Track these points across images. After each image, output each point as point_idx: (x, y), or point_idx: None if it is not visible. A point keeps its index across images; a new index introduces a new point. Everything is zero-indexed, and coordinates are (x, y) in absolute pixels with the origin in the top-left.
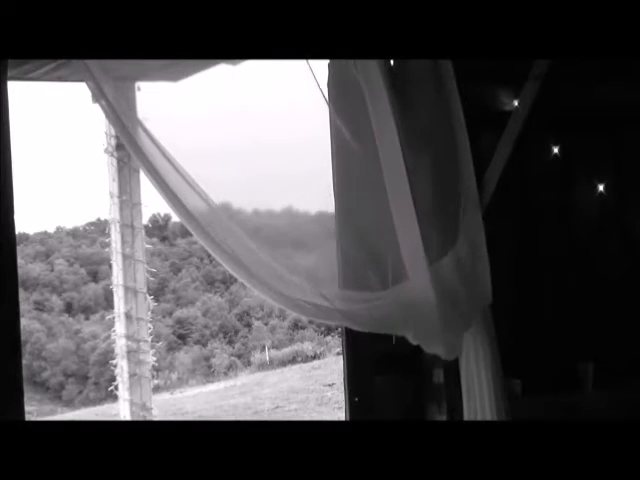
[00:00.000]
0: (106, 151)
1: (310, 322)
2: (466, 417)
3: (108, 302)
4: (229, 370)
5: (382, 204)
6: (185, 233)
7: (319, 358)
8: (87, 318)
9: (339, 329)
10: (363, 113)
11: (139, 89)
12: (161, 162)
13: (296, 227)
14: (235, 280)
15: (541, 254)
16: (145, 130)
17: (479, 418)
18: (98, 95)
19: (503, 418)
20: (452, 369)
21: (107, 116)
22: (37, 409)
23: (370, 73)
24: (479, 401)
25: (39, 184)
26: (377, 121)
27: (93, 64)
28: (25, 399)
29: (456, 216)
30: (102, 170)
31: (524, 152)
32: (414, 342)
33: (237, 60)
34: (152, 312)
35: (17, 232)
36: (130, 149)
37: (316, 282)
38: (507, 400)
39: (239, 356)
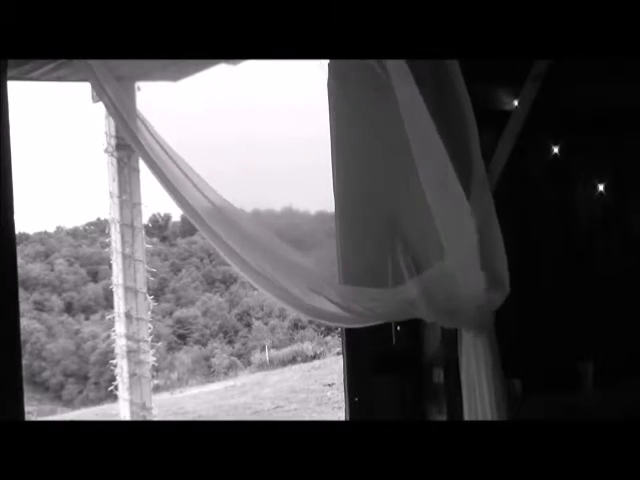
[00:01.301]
0: (106, 151)
1: (310, 322)
2: (466, 417)
3: (108, 302)
4: (229, 370)
5: (382, 203)
6: (185, 233)
7: (319, 358)
8: (87, 318)
9: (339, 329)
10: (363, 112)
11: (139, 89)
12: (164, 160)
13: (296, 227)
14: (235, 280)
15: (541, 254)
16: (147, 128)
17: (479, 418)
18: (101, 93)
19: (503, 418)
20: (452, 369)
21: (110, 113)
22: (37, 409)
23: (401, 71)
24: (479, 401)
25: (39, 184)
26: (411, 118)
27: (95, 63)
28: (25, 399)
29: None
30: (102, 170)
31: (524, 152)
32: (429, 320)
33: (237, 60)
34: (152, 312)
35: (17, 232)
36: (133, 145)
37: (316, 282)
38: (507, 400)
39: (239, 356)
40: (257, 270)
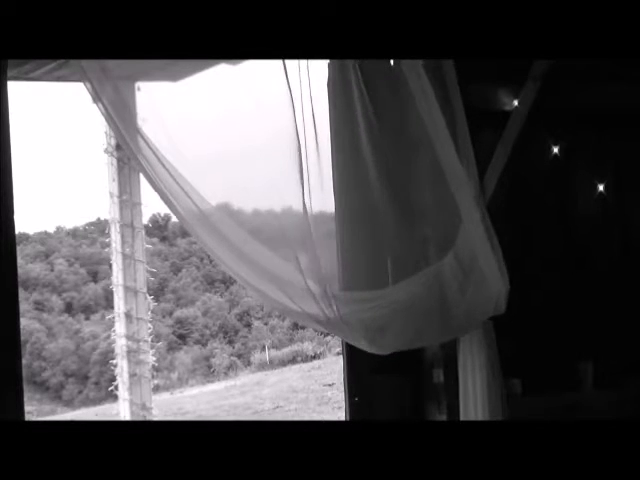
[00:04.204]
0: (106, 151)
1: None
2: (462, 417)
3: (108, 302)
4: (229, 370)
5: (382, 203)
6: (185, 233)
7: (319, 358)
8: (87, 318)
9: None
10: (363, 112)
11: (139, 89)
12: (157, 166)
13: (296, 227)
14: (235, 280)
15: (541, 254)
16: (142, 135)
17: (474, 419)
18: (95, 97)
19: (499, 419)
20: (452, 369)
21: (105, 118)
22: (37, 409)
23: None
24: (472, 401)
25: (39, 184)
26: (429, 118)
27: (91, 66)
28: (25, 399)
29: (457, 214)
30: (102, 170)
31: (524, 152)
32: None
33: (237, 60)
34: (152, 312)
35: (17, 232)
36: (127, 151)
37: (317, 282)
38: (505, 401)
39: (239, 356)
40: (245, 278)
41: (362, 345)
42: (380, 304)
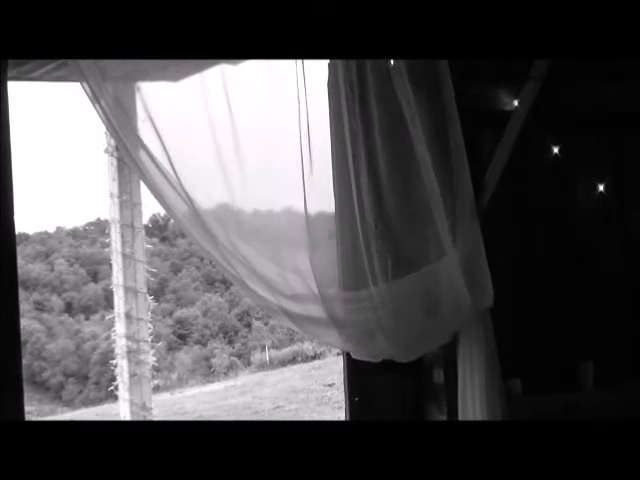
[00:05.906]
0: (106, 151)
1: None
2: (460, 417)
3: (108, 302)
4: (229, 370)
5: (382, 203)
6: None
7: (319, 358)
8: (87, 318)
9: None
10: (362, 113)
11: (139, 89)
12: (155, 168)
13: (296, 227)
14: None
15: (541, 254)
16: (140, 137)
17: (472, 418)
18: (93, 98)
19: (498, 419)
20: (452, 369)
21: (102, 120)
22: (37, 409)
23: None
24: (471, 402)
25: (39, 184)
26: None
27: (90, 66)
28: (25, 399)
29: (452, 218)
30: (102, 170)
31: (524, 152)
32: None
33: (237, 60)
34: (152, 312)
35: (17, 232)
36: (126, 153)
37: (316, 283)
38: (504, 401)
39: (239, 356)
40: (239, 279)
41: (352, 349)
42: (373, 304)
